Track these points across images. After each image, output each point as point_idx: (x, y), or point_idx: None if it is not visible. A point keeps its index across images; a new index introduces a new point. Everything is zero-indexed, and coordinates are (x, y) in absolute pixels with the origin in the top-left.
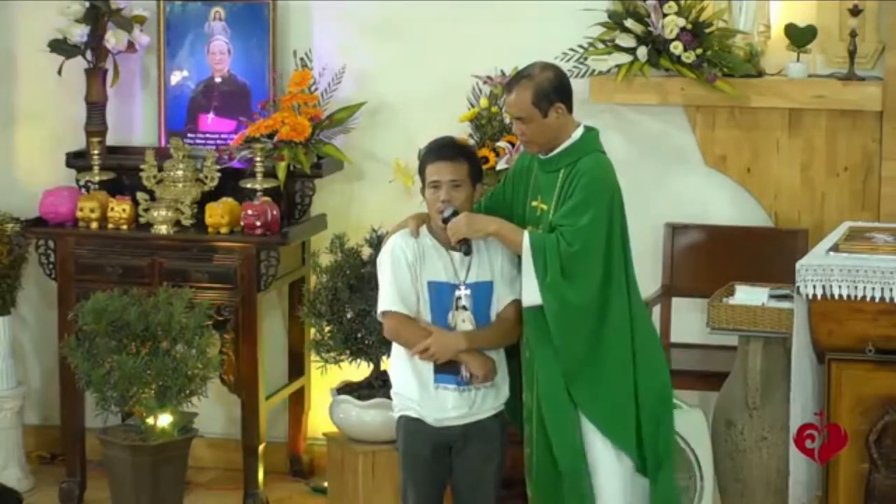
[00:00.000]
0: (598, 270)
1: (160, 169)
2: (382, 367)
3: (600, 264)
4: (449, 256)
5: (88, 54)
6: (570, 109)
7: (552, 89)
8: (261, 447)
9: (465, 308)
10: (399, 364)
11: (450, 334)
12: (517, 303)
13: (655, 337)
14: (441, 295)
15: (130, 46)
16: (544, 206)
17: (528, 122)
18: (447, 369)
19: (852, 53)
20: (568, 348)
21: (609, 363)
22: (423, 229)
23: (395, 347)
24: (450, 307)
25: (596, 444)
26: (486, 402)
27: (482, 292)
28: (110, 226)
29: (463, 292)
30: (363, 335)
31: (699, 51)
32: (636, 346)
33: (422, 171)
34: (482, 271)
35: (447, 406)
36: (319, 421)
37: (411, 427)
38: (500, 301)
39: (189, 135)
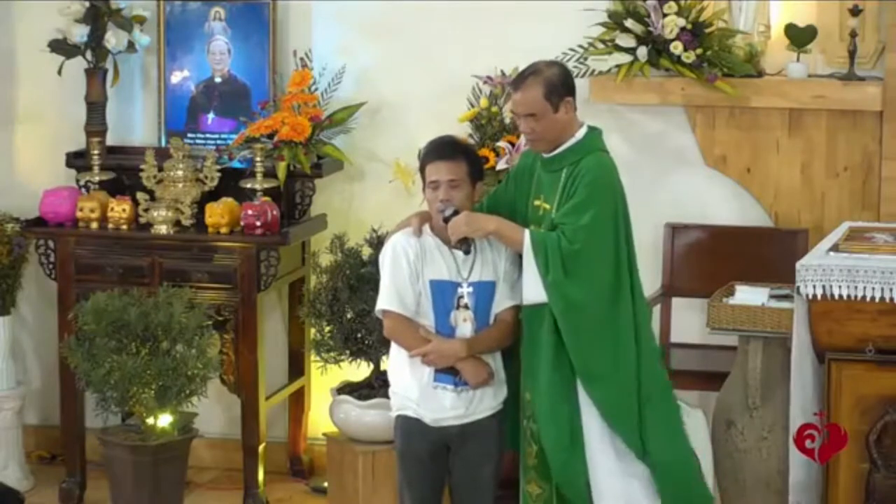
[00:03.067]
0: (602, 269)
1: (160, 169)
2: (382, 367)
3: (605, 263)
4: (451, 255)
5: (88, 54)
6: (575, 106)
7: (561, 84)
8: (261, 447)
9: (466, 307)
10: (398, 364)
11: (449, 342)
12: (516, 307)
13: (653, 339)
14: (443, 294)
15: (130, 46)
16: (547, 206)
17: (540, 118)
18: (446, 370)
19: (852, 53)
20: (580, 346)
21: (622, 360)
22: (426, 228)
23: (395, 347)
24: (452, 307)
25: (593, 442)
26: (483, 402)
27: (484, 291)
28: (110, 226)
29: (465, 290)
30: (363, 335)
31: (699, 51)
32: (640, 346)
33: (422, 171)
34: (486, 270)
35: (445, 406)
36: (319, 421)
37: (409, 426)
38: (500, 303)
39: (189, 135)
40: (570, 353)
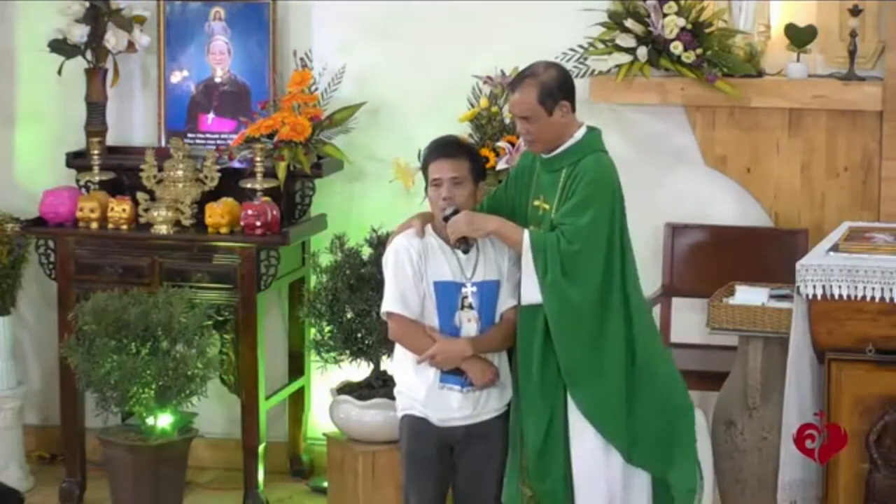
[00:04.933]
0: (599, 270)
1: (160, 169)
2: (382, 367)
3: (601, 264)
4: (454, 256)
5: (88, 54)
6: (573, 108)
7: (557, 87)
8: (261, 447)
9: (470, 307)
10: (404, 364)
11: (454, 342)
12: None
13: (657, 339)
14: (447, 294)
15: (130, 46)
16: (546, 206)
17: (534, 121)
18: (452, 370)
19: (852, 53)
20: (568, 347)
21: (608, 363)
22: (428, 229)
23: (400, 348)
24: (456, 307)
25: (583, 437)
26: (489, 402)
27: (488, 291)
28: (110, 226)
29: (469, 290)
30: (363, 335)
31: (699, 51)
32: (636, 347)
33: (424, 170)
34: (489, 270)
35: (452, 406)
36: (319, 421)
37: (415, 426)
38: (504, 302)
39: (189, 135)
40: (558, 355)
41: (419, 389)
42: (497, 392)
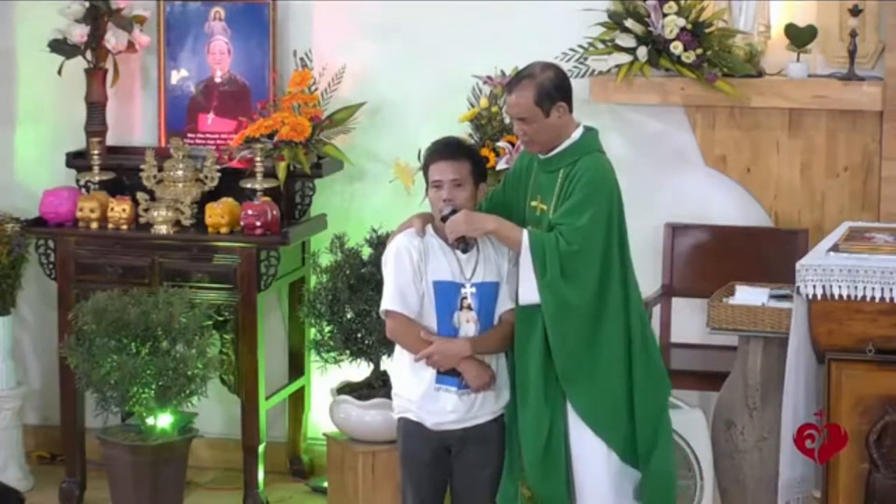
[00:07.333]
0: (597, 270)
1: (160, 169)
2: (382, 367)
3: (599, 264)
4: (455, 256)
5: (88, 54)
6: (570, 109)
7: (554, 88)
8: (261, 447)
9: (469, 308)
10: (400, 365)
11: (452, 342)
12: None
13: (653, 341)
14: (446, 295)
15: (130, 46)
16: (544, 206)
17: (531, 122)
18: (449, 372)
19: (852, 53)
20: (564, 348)
21: (604, 364)
22: (429, 229)
23: (398, 348)
24: (455, 307)
25: (584, 438)
26: (485, 406)
27: (487, 292)
28: (110, 226)
29: (468, 290)
30: (363, 335)
31: (699, 51)
32: (633, 348)
33: (425, 171)
34: (489, 271)
35: (446, 409)
36: (319, 421)
37: (410, 430)
38: (503, 304)
39: (189, 135)
40: (554, 355)
41: (415, 390)
42: (493, 395)
